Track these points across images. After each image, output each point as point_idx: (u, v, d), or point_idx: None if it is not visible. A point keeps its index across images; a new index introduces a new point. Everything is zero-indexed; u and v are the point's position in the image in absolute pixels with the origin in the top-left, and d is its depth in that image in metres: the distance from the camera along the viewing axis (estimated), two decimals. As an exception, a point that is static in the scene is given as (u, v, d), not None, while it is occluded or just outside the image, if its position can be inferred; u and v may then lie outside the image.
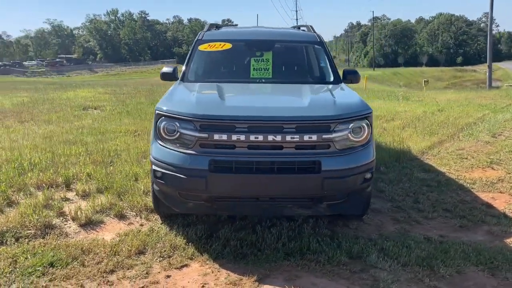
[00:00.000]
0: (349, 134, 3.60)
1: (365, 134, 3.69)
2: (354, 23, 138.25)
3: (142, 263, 3.39)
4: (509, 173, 5.96)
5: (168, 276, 3.24)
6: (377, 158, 3.95)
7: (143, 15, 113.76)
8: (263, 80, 4.80)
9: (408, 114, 11.11)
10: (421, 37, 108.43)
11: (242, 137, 3.42)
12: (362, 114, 3.71)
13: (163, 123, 3.63)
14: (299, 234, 3.88)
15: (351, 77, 4.93)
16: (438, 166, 6.33)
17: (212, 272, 3.30)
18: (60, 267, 3.26)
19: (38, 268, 3.22)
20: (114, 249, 3.54)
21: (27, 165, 5.57)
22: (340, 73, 4.94)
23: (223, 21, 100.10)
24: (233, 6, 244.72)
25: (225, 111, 3.63)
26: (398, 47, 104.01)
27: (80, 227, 4.03)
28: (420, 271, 3.33)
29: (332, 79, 4.89)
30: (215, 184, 3.46)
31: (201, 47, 5.12)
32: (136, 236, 3.80)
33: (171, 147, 3.58)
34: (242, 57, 5.16)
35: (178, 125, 3.55)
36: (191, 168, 3.45)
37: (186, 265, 3.40)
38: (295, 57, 5.43)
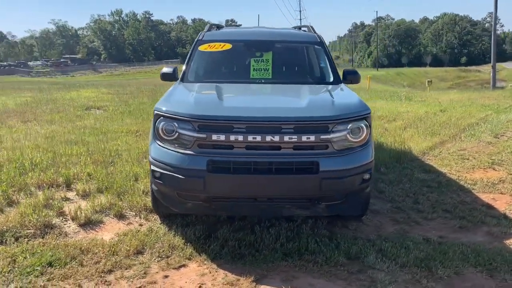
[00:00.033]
0: (347, 135, 3.60)
1: (364, 135, 3.68)
2: (358, 23, 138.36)
3: (140, 263, 3.40)
4: (511, 174, 5.93)
5: (166, 276, 3.25)
6: (377, 159, 3.94)
7: (147, 16, 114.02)
8: (263, 81, 4.80)
9: (410, 114, 11.07)
10: (425, 37, 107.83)
11: (240, 138, 3.43)
12: (361, 115, 3.71)
13: (162, 123, 3.64)
14: (298, 235, 3.88)
15: (351, 77, 4.92)
16: (439, 166, 6.31)
17: (210, 272, 3.31)
18: (58, 266, 3.28)
19: (37, 268, 3.23)
20: (113, 249, 3.56)
21: (28, 165, 5.60)
22: (340, 73, 4.93)
23: (227, 21, 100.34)
24: (237, 6, 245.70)
25: (223, 112, 3.64)
26: (402, 47, 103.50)
27: (79, 227, 4.05)
28: (418, 272, 3.33)
29: (332, 79, 4.88)
30: (213, 185, 3.46)
31: (201, 48, 5.13)
32: (135, 236, 3.81)
33: (169, 148, 3.59)
34: (242, 58, 5.17)
35: (176, 125, 3.56)
36: (189, 168, 3.46)
37: (184, 265, 3.41)
38: (295, 58, 5.43)
